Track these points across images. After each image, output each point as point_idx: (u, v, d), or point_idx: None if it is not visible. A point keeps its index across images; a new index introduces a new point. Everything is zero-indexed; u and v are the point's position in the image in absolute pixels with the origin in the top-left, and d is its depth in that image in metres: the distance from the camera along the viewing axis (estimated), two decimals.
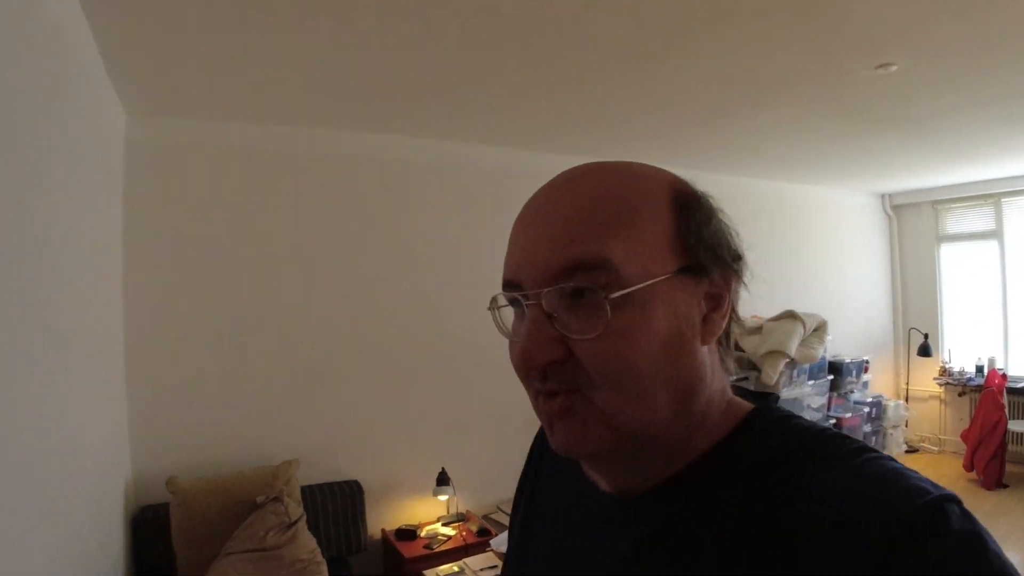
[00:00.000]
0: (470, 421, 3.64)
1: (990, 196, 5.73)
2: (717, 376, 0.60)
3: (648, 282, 0.53)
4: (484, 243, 3.43)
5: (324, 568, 2.70)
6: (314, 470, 3.18)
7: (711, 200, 0.60)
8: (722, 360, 0.61)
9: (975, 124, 3.66)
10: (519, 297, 0.56)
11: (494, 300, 0.61)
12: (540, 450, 0.81)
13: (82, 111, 2.03)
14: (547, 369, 0.55)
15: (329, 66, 2.52)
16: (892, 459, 0.52)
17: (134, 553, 2.80)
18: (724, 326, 0.59)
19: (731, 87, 2.90)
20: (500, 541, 3.03)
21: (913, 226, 6.36)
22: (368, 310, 3.47)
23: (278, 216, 3.30)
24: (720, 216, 0.60)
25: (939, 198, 6.07)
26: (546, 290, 0.54)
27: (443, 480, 3.34)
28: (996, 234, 5.77)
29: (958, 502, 0.46)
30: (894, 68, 2.65)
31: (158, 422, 3.00)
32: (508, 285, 0.58)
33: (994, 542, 0.45)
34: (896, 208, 6.40)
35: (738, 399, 0.63)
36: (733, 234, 0.60)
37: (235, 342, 3.17)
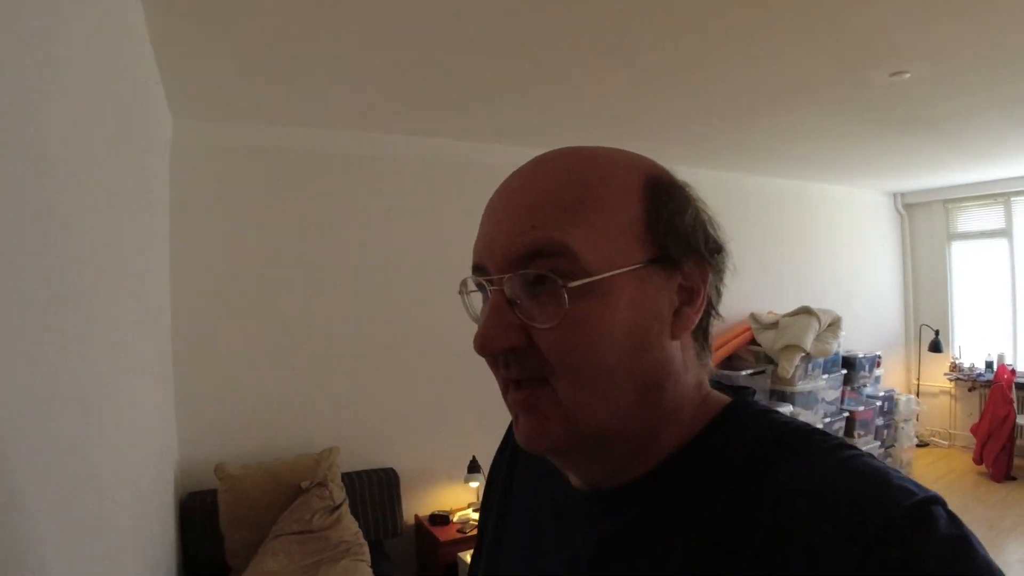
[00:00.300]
0: (499, 411, 3.77)
1: (1000, 195, 5.83)
2: (691, 370, 0.58)
3: (611, 272, 0.52)
4: None
5: (366, 549, 2.85)
6: (352, 458, 3.32)
7: (689, 189, 0.59)
8: (698, 354, 0.60)
9: (986, 126, 3.77)
10: (484, 282, 0.56)
11: (464, 284, 0.60)
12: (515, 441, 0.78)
13: (135, 113, 2.10)
14: (507, 356, 0.54)
15: (369, 71, 2.65)
16: (872, 456, 0.51)
17: (182, 538, 2.94)
18: (698, 320, 0.57)
19: (756, 93, 3.03)
20: None
21: (924, 224, 6.47)
22: (401, 305, 3.62)
23: (317, 214, 3.46)
24: (698, 206, 0.58)
25: (950, 197, 6.17)
26: (507, 276, 0.53)
27: (474, 467, 3.49)
28: (1006, 232, 5.88)
29: (943, 504, 0.46)
30: (907, 75, 2.78)
31: (202, 412, 3.14)
32: (475, 269, 0.57)
33: (980, 545, 0.44)
34: (908, 207, 6.51)
35: (716, 393, 0.61)
36: (713, 226, 0.58)
37: (275, 335, 3.32)
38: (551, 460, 0.63)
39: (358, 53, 2.45)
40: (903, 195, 6.45)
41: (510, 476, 0.77)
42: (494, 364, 0.57)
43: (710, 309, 0.58)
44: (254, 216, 3.30)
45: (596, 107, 3.21)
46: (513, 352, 0.54)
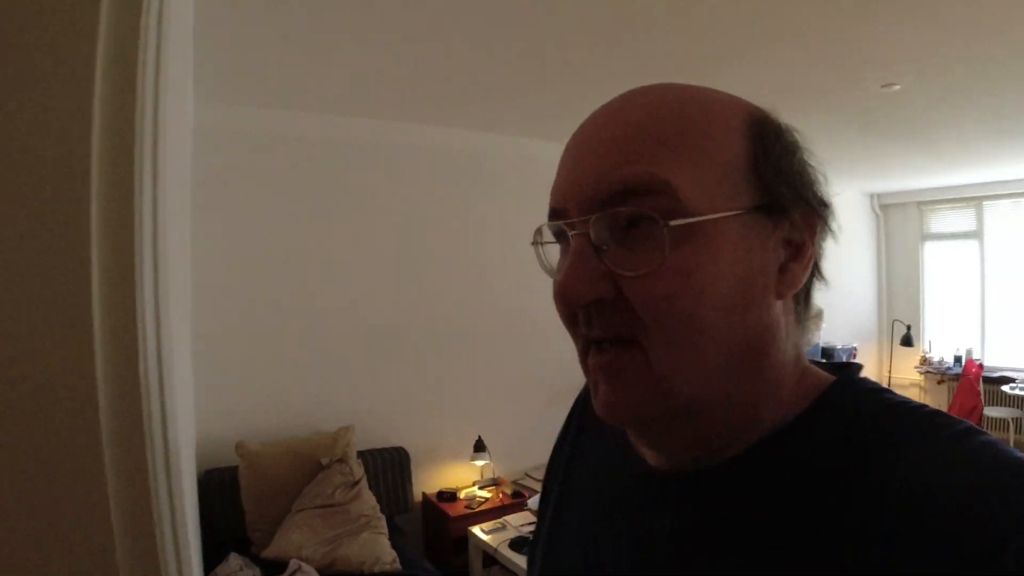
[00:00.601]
0: (502, 393, 3.97)
1: (972, 199, 6.14)
2: (792, 340, 0.52)
3: (716, 215, 0.45)
4: (525, 228, 3.73)
5: (384, 523, 3.00)
6: (364, 437, 3.45)
7: (796, 134, 0.53)
8: (799, 322, 0.53)
9: (964, 135, 4.03)
10: (564, 227, 0.49)
11: (538, 233, 0.53)
12: (580, 415, 0.73)
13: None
14: (591, 310, 0.48)
15: (397, 61, 2.74)
16: (1004, 444, 0.44)
17: (203, 514, 3.03)
18: (805, 280, 0.51)
19: (756, 96, 3.14)
20: (536, 501, 3.34)
21: (899, 224, 6.77)
22: (411, 293, 3.75)
23: (336, 198, 3.57)
24: (805, 155, 0.52)
25: (924, 199, 6.48)
26: (594, 217, 0.47)
27: (480, 447, 3.65)
28: (976, 234, 6.19)
29: None
30: (897, 87, 3.00)
31: (218, 391, 3.23)
32: (553, 214, 0.50)
33: None
34: (884, 207, 6.80)
35: (815, 368, 0.54)
36: (820, 177, 0.52)
37: (290, 318, 3.43)
38: (633, 435, 0.57)
39: (391, 44, 2.53)
40: (879, 196, 6.74)
41: (573, 456, 0.70)
42: (572, 321, 0.50)
43: (815, 270, 0.53)
44: (272, 201, 3.39)
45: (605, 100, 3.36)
46: (599, 305, 0.47)
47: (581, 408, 0.73)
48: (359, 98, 3.29)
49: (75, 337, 0.72)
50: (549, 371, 4.11)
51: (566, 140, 0.53)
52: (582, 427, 0.71)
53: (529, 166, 4.05)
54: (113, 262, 0.73)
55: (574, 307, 0.48)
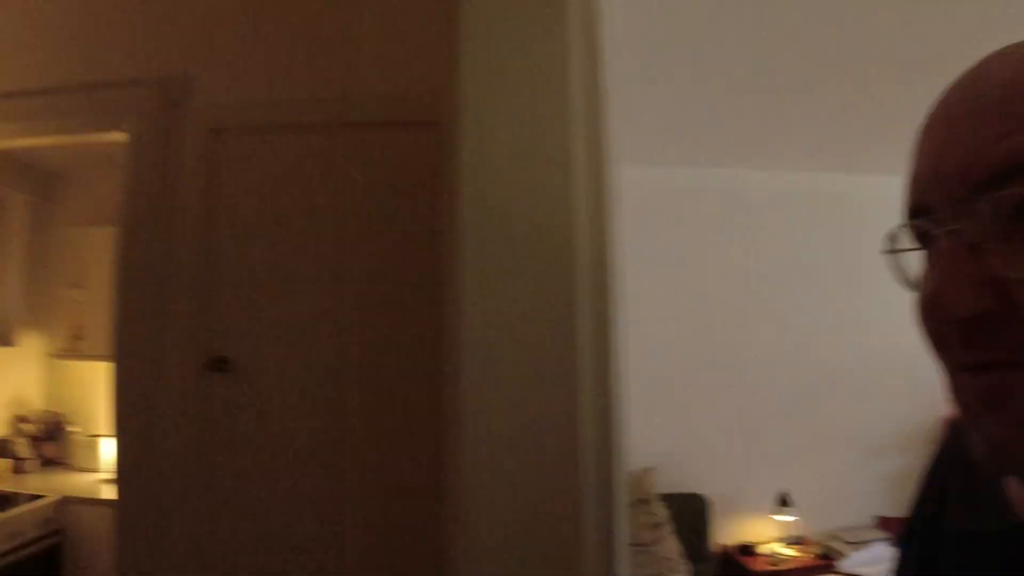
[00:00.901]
0: (810, 447, 3.73)
1: None
2: None
3: None
4: (846, 275, 3.66)
5: (689, 569, 2.97)
6: (663, 480, 3.47)
7: None
8: None
9: None
10: (928, 225, 0.39)
11: (892, 238, 0.42)
12: (944, 466, 0.57)
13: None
14: (970, 326, 0.36)
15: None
16: None
17: None
18: None
19: None
20: (851, 564, 3.08)
21: None
22: (716, 337, 3.74)
23: (670, 244, 3.71)
24: None
25: None
26: (968, 208, 0.36)
27: (785, 502, 3.47)
28: None
29: None
30: None
31: None
32: (912, 212, 0.41)
33: None
34: None
35: None
36: None
37: None
38: None
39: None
40: None
41: (937, 517, 0.54)
42: (942, 341, 0.39)
43: None
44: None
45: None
46: (981, 320, 0.36)
47: (948, 447, 0.58)
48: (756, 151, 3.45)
49: (563, 375, 0.85)
50: (862, 426, 3.79)
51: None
52: (946, 483, 0.55)
53: (869, 210, 3.86)
54: (594, 305, 0.85)
55: (947, 323, 0.37)
